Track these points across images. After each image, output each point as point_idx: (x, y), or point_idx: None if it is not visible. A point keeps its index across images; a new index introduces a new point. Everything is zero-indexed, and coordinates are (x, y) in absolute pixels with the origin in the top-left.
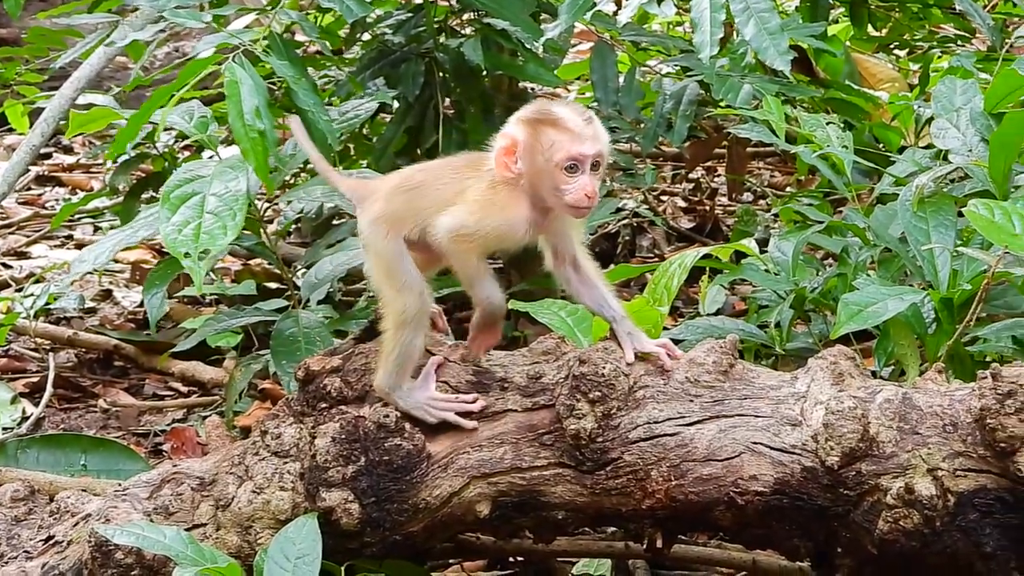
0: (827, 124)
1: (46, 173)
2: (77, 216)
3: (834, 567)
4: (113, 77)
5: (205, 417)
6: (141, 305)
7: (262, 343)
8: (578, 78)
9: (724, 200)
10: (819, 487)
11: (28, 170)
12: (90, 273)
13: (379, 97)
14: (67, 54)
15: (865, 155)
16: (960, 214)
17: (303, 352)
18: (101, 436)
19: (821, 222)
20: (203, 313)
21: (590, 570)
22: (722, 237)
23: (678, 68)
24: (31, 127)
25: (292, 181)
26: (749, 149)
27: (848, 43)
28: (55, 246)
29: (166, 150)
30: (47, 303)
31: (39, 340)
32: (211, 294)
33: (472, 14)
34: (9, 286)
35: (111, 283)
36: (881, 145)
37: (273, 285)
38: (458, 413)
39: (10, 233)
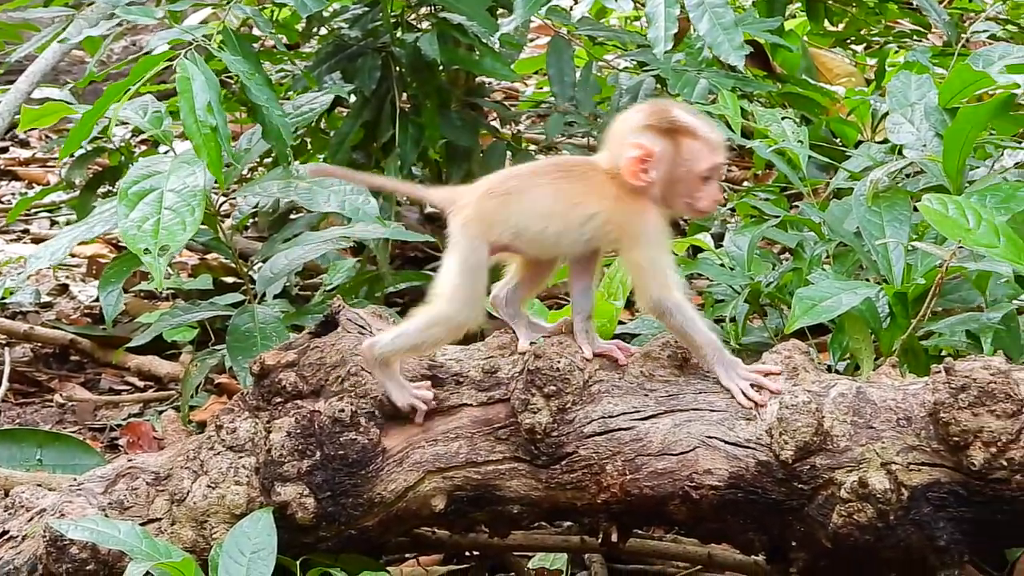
0: (783, 119)
1: (2, 167)
2: (33, 210)
3: (788, 561)
4: (70, 71)
5: (161, 412)
6: (97, 300)
7: (218, 338)
8: (536, 72)
9: None
10: (773, 481)
11: None
12: (46, 268)
13: (334, 91)
14: (22, 48)
15: (821, 150)
16: (915, 209)
17: (258, 347)
18: (57, 431)
19: (777, 217)
20: (160, 308)
21: (546, 564)
22: (679, 232)
23: (635, 63)
24: None
25: (249, 176)
26: None
27: (805, 38)
28: (11, 240)
29: (122, 145)
30: (3, 297)
31: None
32: (168, 289)
33: (429, 8)
34: None
35: (67, 278)
36: (838, 140)
37: (230, 280)
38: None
39: None
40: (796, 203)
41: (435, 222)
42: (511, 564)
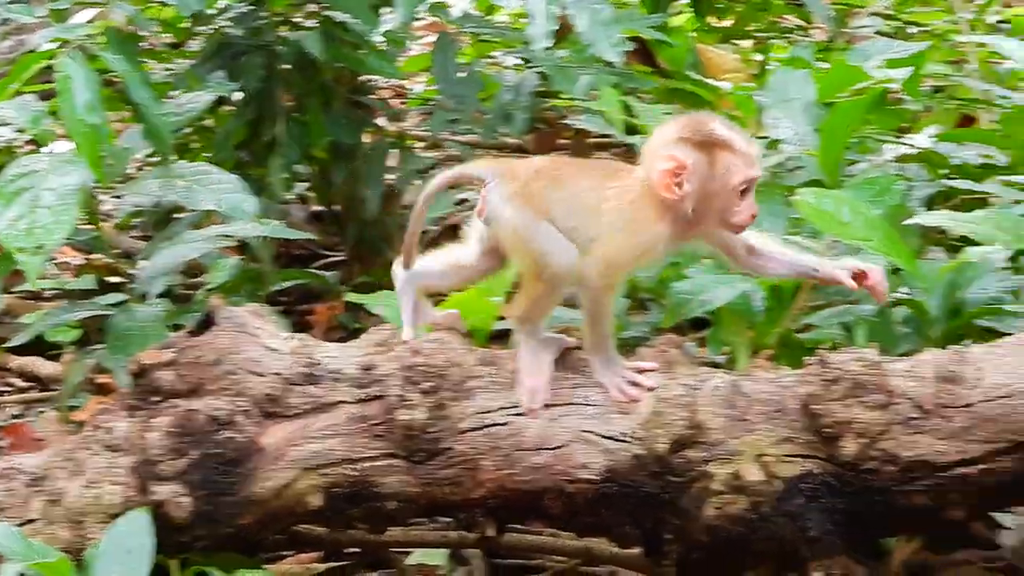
0: (664, 114)
1: None
2: None
3: (664, 554)
4: None
5: (43, 412)
6: None
7: (100, 338)
8: (425, 70)
9: None
10: (648, 474)
11: None
12: None
13: (216, 89)
14: None
15: None
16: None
17: (137, 346)
18: None
19: None
20: (43, 308)
21: (425, 560)
22: None
23: (522, 59)
24: None
25: (134, 174)
26: (594, 140)
27: (692, 34)
28: None
29: (4, 145)
30: None
31: None
32: (51, 288)
33: (314, 6)
34: None
35: None
36: None
37: (116, 279)
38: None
39: None
40: None
41: (322, 220)
42: (390, 561)
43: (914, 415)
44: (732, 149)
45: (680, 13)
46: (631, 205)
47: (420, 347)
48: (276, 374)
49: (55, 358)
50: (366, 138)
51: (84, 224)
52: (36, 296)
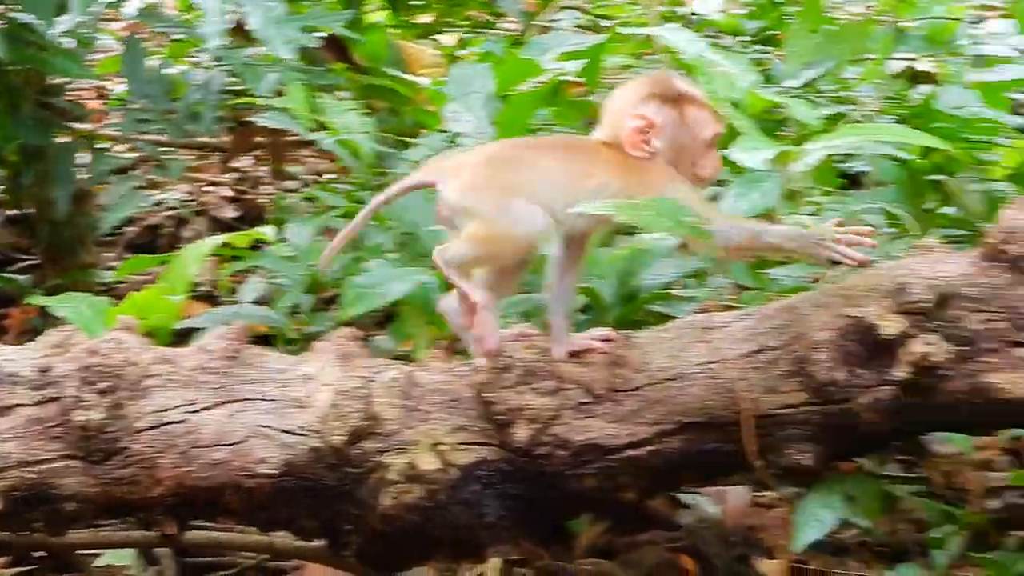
0: (349, 110)
1: None
2: None
3: (344, 545)
4: None
5: None
6: None
7: None
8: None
9: (271, 189)
10: (326, 467)
11: None
12: None
13: None
14: None
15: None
16: None
17: None
18: None
19: (336, 207)
20: None
21: (114, 562)
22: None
23: (216, 58)
24: None
25: None
26: (295, 138)
27: (392, 30)
28: None
29: None
30: None
31: None
32: None
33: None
34: None
35: None
36: (424, 130)
37: None
38: None
39: None
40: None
41: (18, 224)
42: (78, 563)
43: (585, 400)
44: (699, 104)
45: (378, 10)
46: (633, 171)
47: (97, 347)
48: None
49: None
50: (63, 139)
51: None
52: None
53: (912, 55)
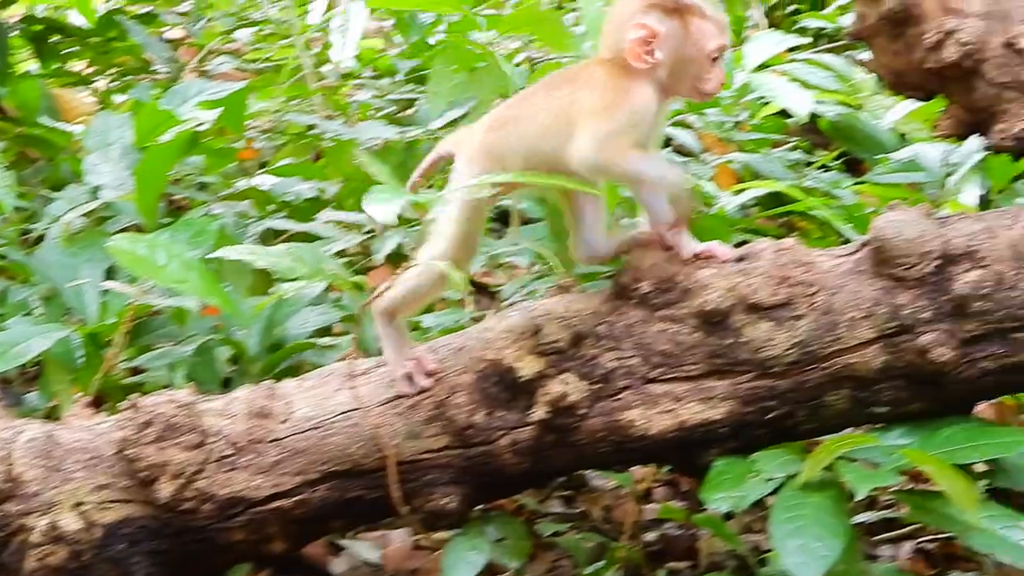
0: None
1: None
2: None
3: None
4: None
5: None
6: None
7: None
8: None
9: None
10: None
11: None
12: None
13: None
14: None
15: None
16: None
17: None
18: None
19: None
20: None
21: None
22: None
23: None
24: None
25: None
26: None
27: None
28: None
29: None
30: None
31: None
32: None
33: None
34: None
35: None
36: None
37: None
38: None
39: None
40: None
41: None
42: None
43: (228, 452)
44: (704, 15)
45: (26, 60)
46: (603, 87)
47: None
48: None
49: None
50: None
51: None
52: None
53: None
